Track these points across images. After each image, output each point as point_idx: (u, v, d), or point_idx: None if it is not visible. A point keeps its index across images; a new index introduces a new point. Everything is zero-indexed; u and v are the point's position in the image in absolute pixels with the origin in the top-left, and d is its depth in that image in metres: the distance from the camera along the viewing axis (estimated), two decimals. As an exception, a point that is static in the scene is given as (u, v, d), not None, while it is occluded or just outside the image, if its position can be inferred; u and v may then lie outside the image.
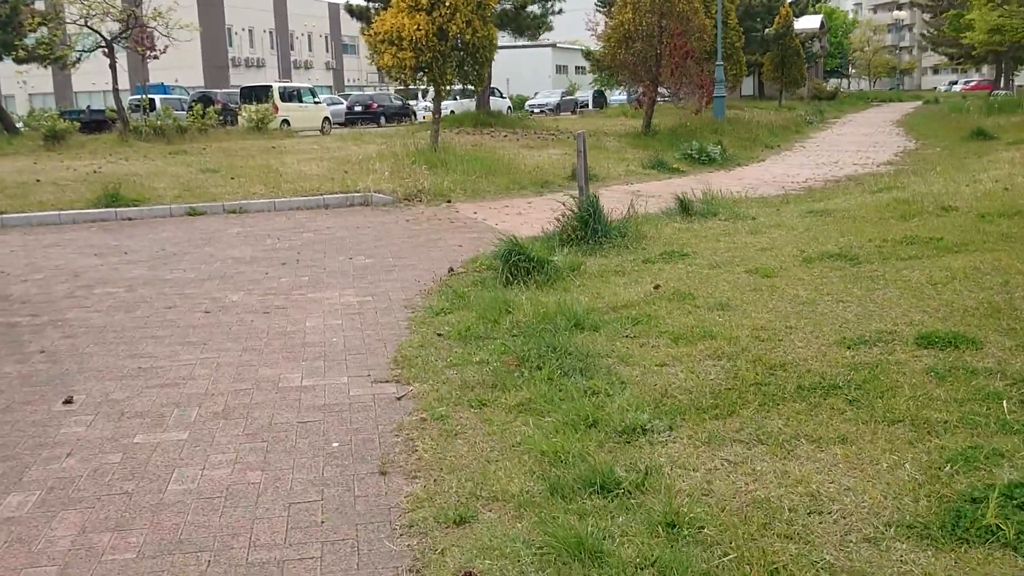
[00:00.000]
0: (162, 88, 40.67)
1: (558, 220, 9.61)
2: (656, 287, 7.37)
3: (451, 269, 8.96)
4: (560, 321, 6.41)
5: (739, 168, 18.67)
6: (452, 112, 42.04)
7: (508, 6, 27.26)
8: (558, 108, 51.36)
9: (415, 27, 16.01)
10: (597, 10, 40.21)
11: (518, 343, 6.03)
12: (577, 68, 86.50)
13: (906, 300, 6.44)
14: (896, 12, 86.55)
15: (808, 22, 53.15)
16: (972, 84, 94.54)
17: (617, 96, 60.63)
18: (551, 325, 6.35)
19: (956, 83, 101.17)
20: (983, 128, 22.09)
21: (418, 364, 5.87)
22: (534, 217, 12.49)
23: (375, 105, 42.51)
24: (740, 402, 4.71)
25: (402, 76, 16.61)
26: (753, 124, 26.69)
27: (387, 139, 21.85)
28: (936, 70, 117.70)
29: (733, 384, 4.98)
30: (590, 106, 51.40)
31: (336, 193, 14.43)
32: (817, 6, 64.15)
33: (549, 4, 29.88)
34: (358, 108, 42.22)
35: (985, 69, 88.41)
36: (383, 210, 13.67)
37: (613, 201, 13.20)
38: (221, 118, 28.35)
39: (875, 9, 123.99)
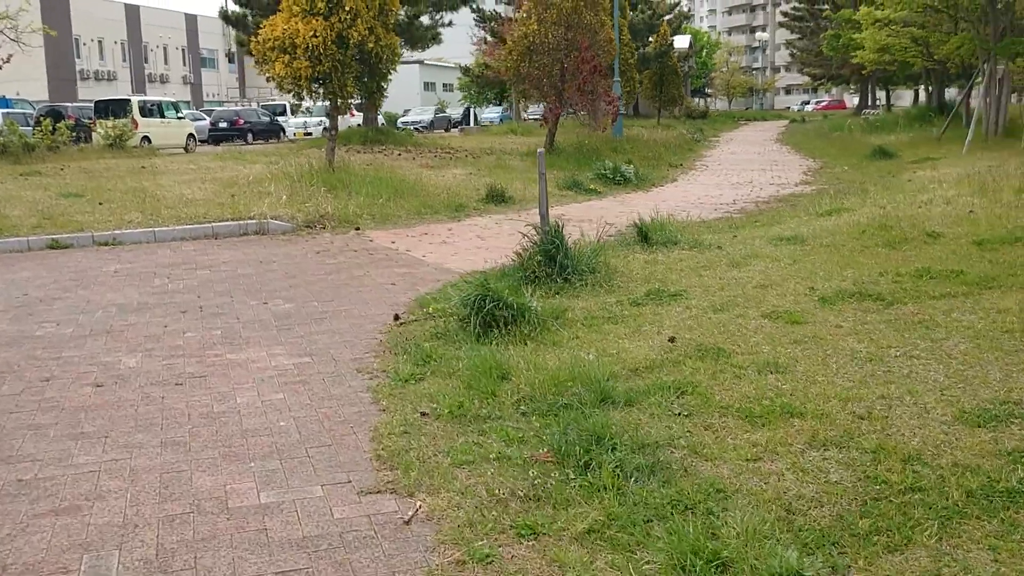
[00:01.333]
0: (3, 102, 37.16)
1: (518, 254, 8.21)
2: (671, 340, 6.07)
3: (397, 317, 7.43)
4: (579, 392, 5.04)
5: (655, 189, 17.71)
6: (325, 130, 40.23)
7: (401, 16, 25.72)
8: (432, 125, 50.03)
9: (311, 33, 14.36)
10: (477, 25, 39.06)
11: (537, 427, 4.64)
12: (445, 85, 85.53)
13: (989, 354, 5.34)
14: (760, 34, 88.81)
15: (680, 42, 53.59)
16: (824, 103, 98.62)
17: (488, 114, 59.76)
18: (570, 399, 4.96)
19: (808, 103, 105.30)
20: (884, 147, 21.93)
21: (412, 462, 4.38)
22: (463, 246, 11.08)
23: (241, 121, 40.13)
24: (906, 522, 3.43)
25: (296, 87, 14.89)
26: (651, 142, 26.00)
27: (270, 157, 19.97)
28: (788, 90, 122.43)
29: (876, 491, 3.70)
30: (471, 123, 50.20)
31: (227, 220, 12.60)
32: (684, 27, 65.00)
33: (438, 16, 28.51)
34: (223, 124, 39.75)
35: (833, 88, 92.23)
36: (284, 240, 11.95)
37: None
38: (74, 135, 25.65)
39: (730, 31, 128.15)
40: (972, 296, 6.74)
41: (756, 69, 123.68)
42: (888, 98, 53.31)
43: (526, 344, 6.22)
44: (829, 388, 4.93)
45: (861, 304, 6.75)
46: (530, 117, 52.90)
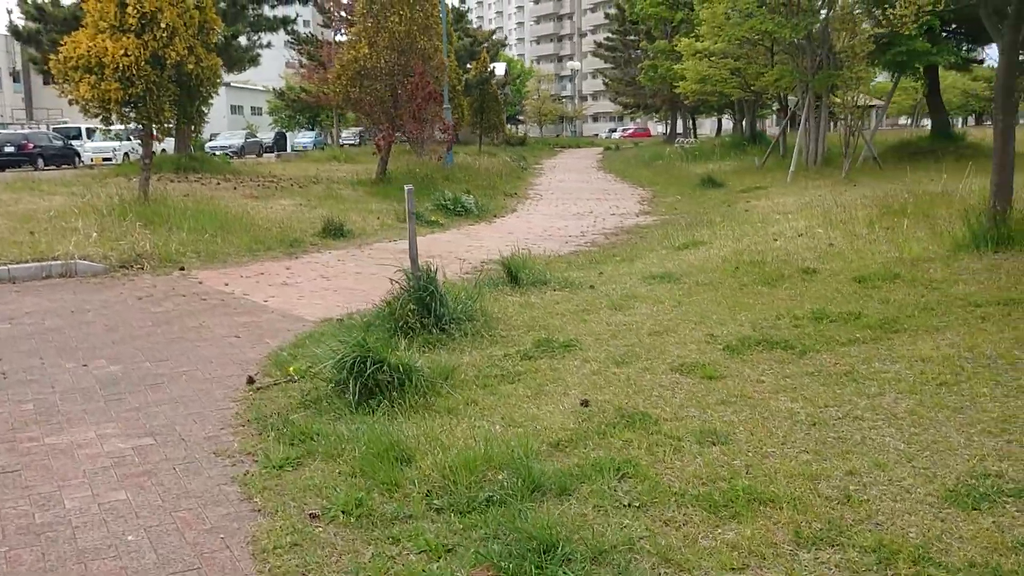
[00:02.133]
0: None
1: (388, 302, 7.29)
2: (584, 403, 5.35)
3: (251, 380, 6.38)
4: (502, 479, 4.23)
5: (498, 220, 17.09)
6: (126, 155, 37.46)
7: (219, 36, 24.08)
8: (242, 151, 47.84)
9: (121, 52, 12.89)
10: (292, 47, 37.54)
11: (460, 528, 3.83)
12: (253, 108, 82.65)
13: (935, 412, 4.90)
14: (571, 63, 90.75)
15: (498, 69, 53.76)
16: (630, 131, 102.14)
17: (301, 139, 58.01)
18: (493, 488, 4.15)
19: (615, 130, 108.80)
20: (712, 176, 22.26)
21: (315, 591, 3.44)
22: (308, 288, 10.02)
23: (31, 146, 36.74)
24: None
25: (104, 111, 13.34)
26: (483, 171, 25.47)
27: (71, 187, 18.02)
28: (596, 118, 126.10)
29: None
30: (286, 148, 48.37)
31: (27, 262, 10.98)
32: (500, 54, 65.39)
33: (256, 37, 26.97)
34: (9, 149, 36.27)
35: (639, 117, 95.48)
36: (97, 283, 10.48)
37: (390, 267, 11.10)
38: None
39: (538, 60, 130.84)
40: (881, 342, 6.37)
41: (565, 97, 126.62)
42: (694, 126, 55.34)
43: (417, 413, 5.35)
44: (786, 463, 4.32)
45: (771, 353, 6.26)
46: (345, 143, 51.62)
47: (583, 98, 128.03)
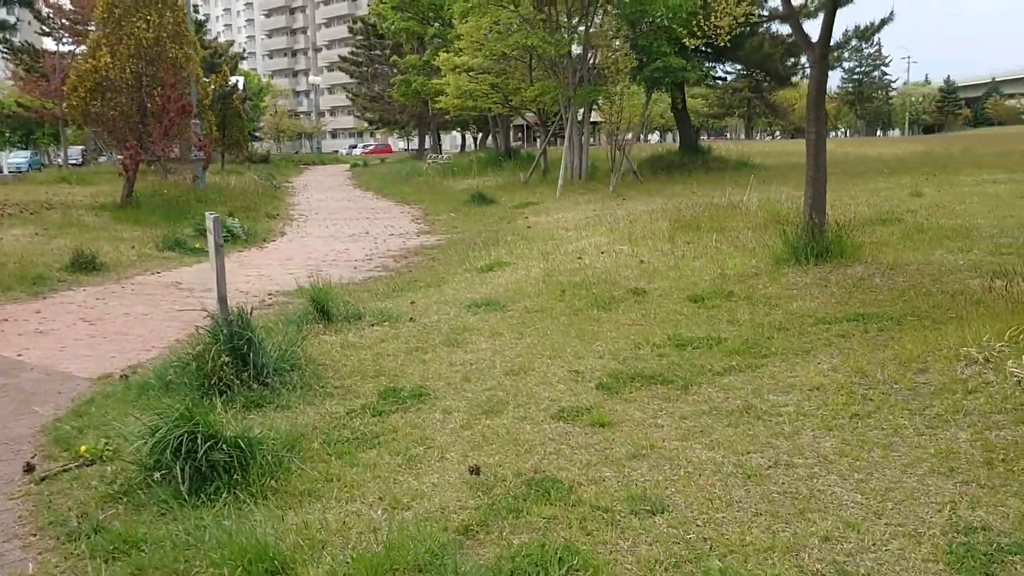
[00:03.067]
0: None
1: (196, 356, 6.04)
2: (475, 471, 4.50)
3: (30, 467, 5.02)
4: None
5: (270, 245, 15.69)
6: None
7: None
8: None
9: None
10: (4, 58, 33.67)
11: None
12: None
13: (871, 453, 4.47)
14: (313, 77, 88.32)
15: (237, 83, 51.08)
16: (371, 148, 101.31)
17: (14, 159, 52.60)
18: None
19: (356, 147, 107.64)
20: (483, 192, 21.84)
21: None
22: (69, 336, 8.45)
23: None
24: None
25: None
26: (238, 191, 23.67)
27: None
28: (335, 134, 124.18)
29: None
30: (3, 170, 43.51)
31: None
32: (239, 68, 62.38)
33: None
34: None
35: (378, 133, 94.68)
36: None
37: (162, 304, 9.73)
38: None
39: (272, 74, 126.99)
40: (758, 369, 5.96)
41: (302, 113, 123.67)
42: (439, 142, 55.25)
43: (268, 500, 4.29)
44: (749, 532, 3.70)
45: (652, 390, 5.67)
46: (72, 162, 47.22)
47: (320, 114, 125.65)
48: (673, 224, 12.68)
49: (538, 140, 37.21)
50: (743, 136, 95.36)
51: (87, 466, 4.96)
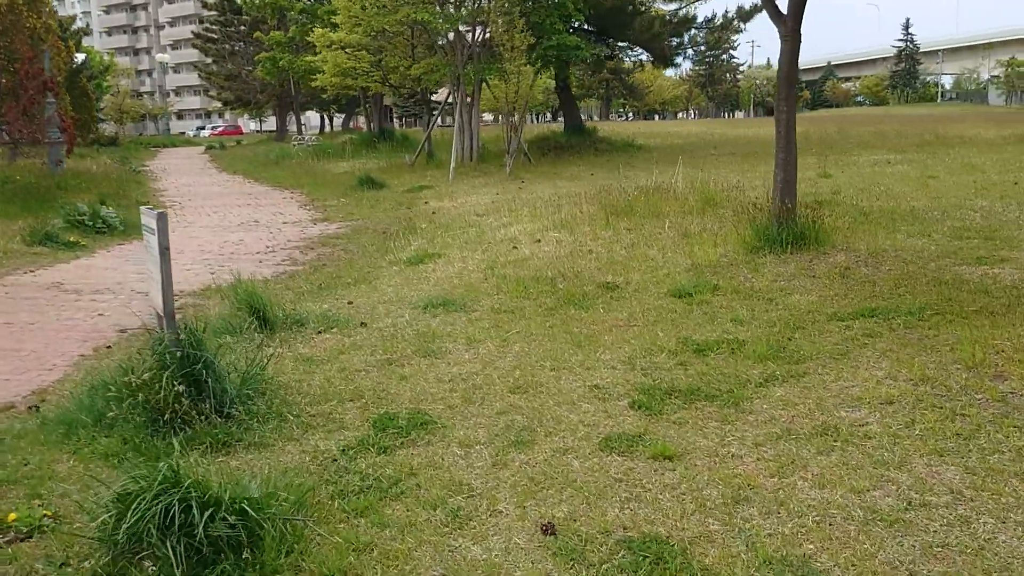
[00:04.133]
0: None
1: (138, 385, 4.86)
2: (548, 530, 3.61)
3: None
4: None
5: (151, 236, 14.12)
6: None
7: None
8: None
9: None
10: None
11: None
12: None
13: (1003, 482, 3.82)
14: (161, 55, 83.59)
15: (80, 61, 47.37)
16: (220, 129, 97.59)
17: None
18: None
19: (204, 128, 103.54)
20: (372, 176, 20.59)
21: None
22: None
23: None
24: None
25: None
26: (101, 176, 21.55)
27: None
28: (181, 115, 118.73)
29: None
30: None
31: None
32: (82, 45, 58.03)
33: None
34: None
35: (227, 114, 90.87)
36: None
37: (48, 311, 8.41)
38: None
39: (112, 53, 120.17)
40: (803, 378, 5.26)
41: (145, 93, 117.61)
42: (299, 123, 53.04)
43: (295, 586, 3.29)
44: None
45: (698, 408, 4.89)
46: None
47: (165, 94, 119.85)
48: (604, 209, 11.96)
49: (397, 121, 36.04)
50: (596, 117, 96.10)
51: (21, 542, 3.79)
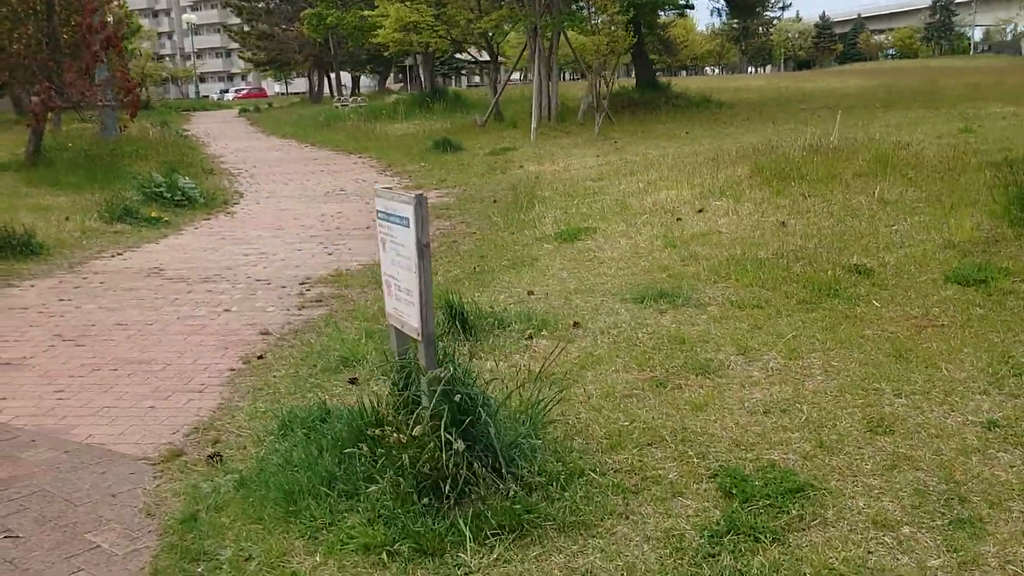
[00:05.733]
0: None
1: (403, 441, 3.46)
2: None
3: None
4: None
5: (237, 209, 12.64)
6: None
7: None
8: None
9: None
10: None
11: None
12: None
13: None
14: (185, 16, 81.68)
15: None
16: (244, 92, 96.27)
17: None
18: None
19: (227, 91, 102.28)
20: (449, 139, 19.05)
21: None
22: (53, 368, 5.81)
23: None
24: None
25: None
26: (157, 143, 20.16)
27: None
28: (203, 79, 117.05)
29: None
30: None
31: None
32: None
33: None
34: None
35: (250, 76, 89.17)
36: None
37: (162, 306, 7.05)
38: None
39: (136, 14, 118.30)
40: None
41: (166, 55, 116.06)
42: (339, 83, 51.38)
43: None
44: None
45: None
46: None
47: (186, 57, 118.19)
48: (760, 172, 10.46)
49: (420, 80, 34.17)
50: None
51: None
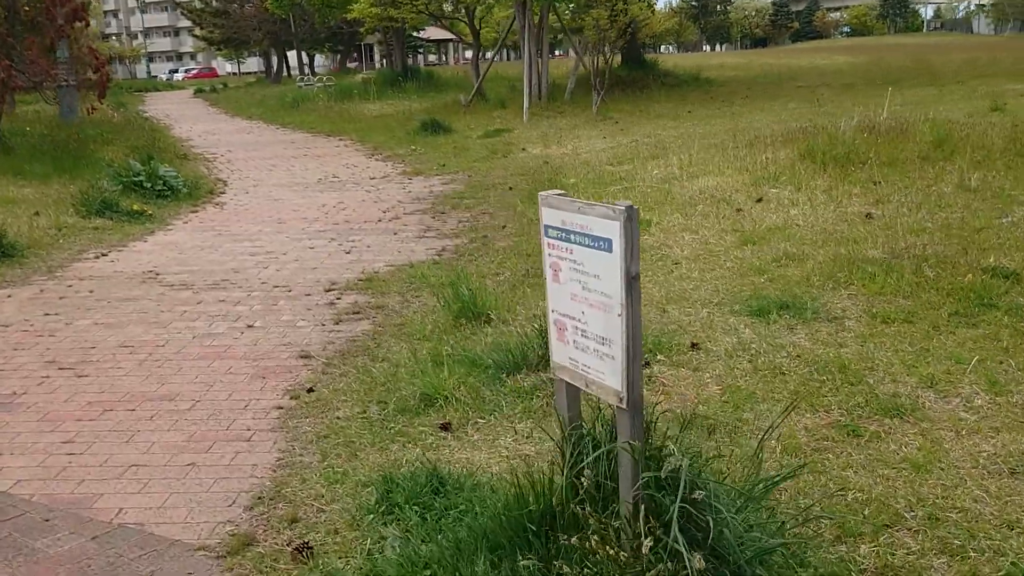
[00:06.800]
0: None
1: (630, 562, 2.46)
2: None
3: None
4: None
5: (226, 200, 11.44)
6: None
7: None
8: None
9: None
10: None
11: None
12: None
13: None
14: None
15: None
16: (194, 72, 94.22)
17: None
18: None
19: (177, 71, 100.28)
20: (437, 120, 17.93)
21: None
22: (53, 409, 4.71)
23: None
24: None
25: None
26: (122, 125, 18.76)
27: None
28: (151, 58, 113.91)
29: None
30: None
31: None
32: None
33: None
34: None
35: (200, 55, 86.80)
36: None
37: (169, 320, 5.97)
38: None
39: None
40: None
41: (112, 35, 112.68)
42: (300, 62, 49.63)
43: None
44: None
45: None
46: None
47: (132, 36, 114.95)
48: (809, 155, 9.58)
49: (384, 59, 32.96)
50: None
51: None
